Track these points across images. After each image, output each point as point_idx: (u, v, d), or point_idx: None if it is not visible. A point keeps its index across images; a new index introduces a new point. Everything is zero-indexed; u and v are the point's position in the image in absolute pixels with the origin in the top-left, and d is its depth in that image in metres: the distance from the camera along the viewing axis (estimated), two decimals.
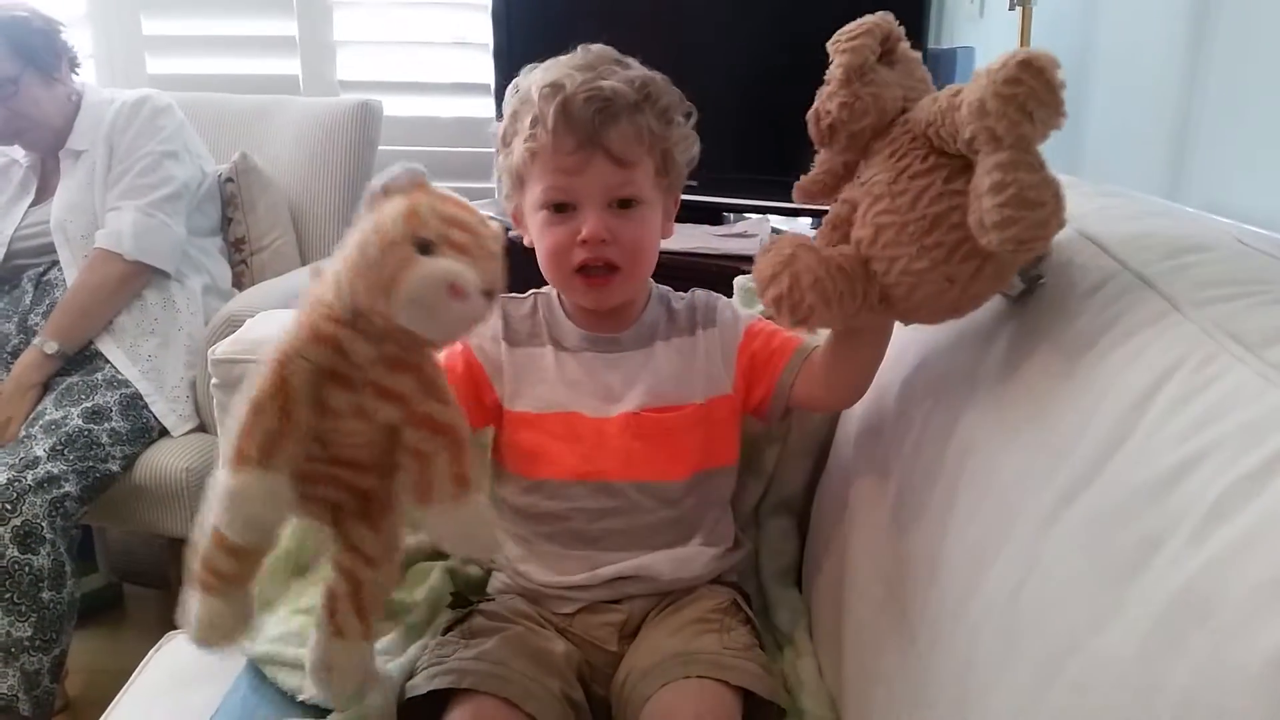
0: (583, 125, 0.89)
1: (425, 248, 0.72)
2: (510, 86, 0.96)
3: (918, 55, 0.83)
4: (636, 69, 0.94)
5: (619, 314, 0.99)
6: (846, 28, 0.81)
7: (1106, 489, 0.61)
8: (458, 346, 0.99)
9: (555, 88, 0.89)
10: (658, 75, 0.95)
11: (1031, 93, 0.67)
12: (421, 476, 0.77)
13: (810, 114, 0.84)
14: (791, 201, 0.93)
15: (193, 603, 0.80)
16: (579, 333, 0.99)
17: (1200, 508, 0.53)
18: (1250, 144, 1.14)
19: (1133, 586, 0.55)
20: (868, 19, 0.81)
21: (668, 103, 0.94)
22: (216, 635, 0.80)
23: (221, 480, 0.73)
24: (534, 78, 0.92)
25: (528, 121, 0.91)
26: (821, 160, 0.87)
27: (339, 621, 0.82)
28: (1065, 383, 0.71)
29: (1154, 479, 0.57)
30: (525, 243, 0.98)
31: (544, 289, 1.03)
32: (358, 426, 0.76)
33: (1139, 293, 0.71)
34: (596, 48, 0.95)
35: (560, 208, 0.92)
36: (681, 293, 1.04)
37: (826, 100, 0.82)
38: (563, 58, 0.94)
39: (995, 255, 0.71)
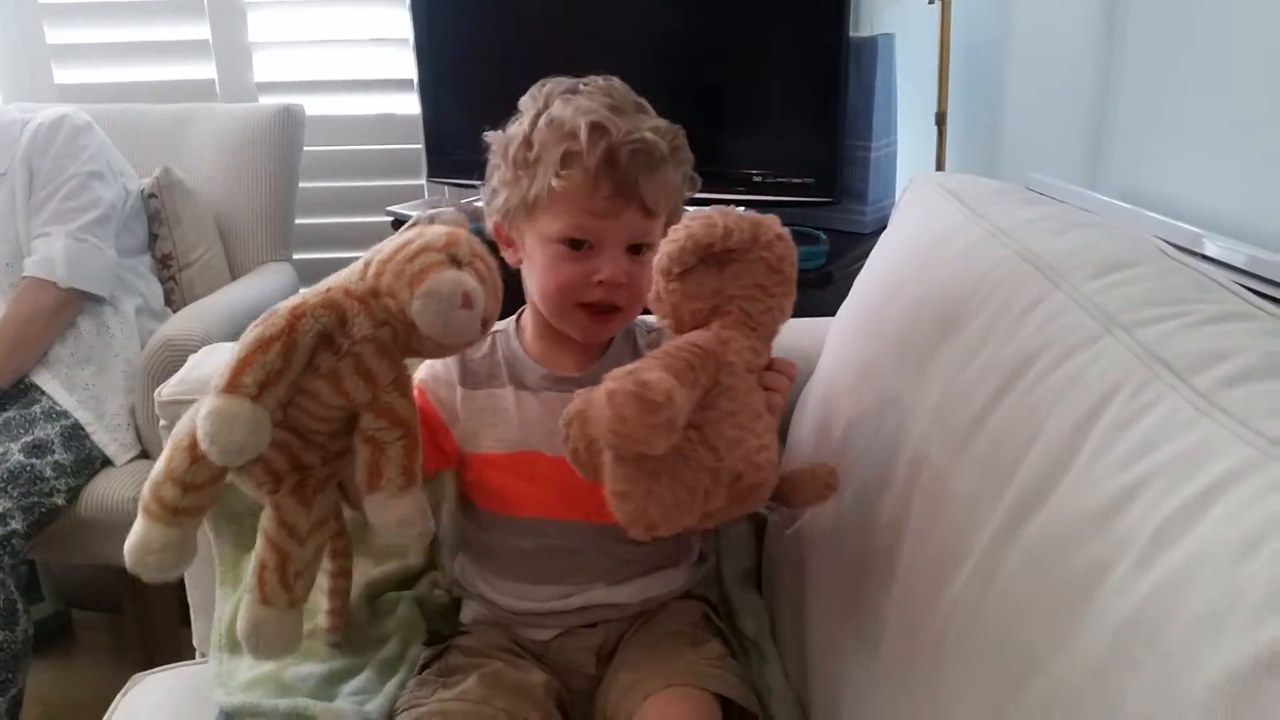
0: (624, 175, 0.90)
1: (456, 263, 0.84)
2: (535, 112, 0.94)
3: (772, 257, 0.84)
4: (654, 114, 0.96)
5: (583, 350, 1.00)
6: (677, 227, 0.84)
7: (1055, 513, 0.65)
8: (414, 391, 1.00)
9: (600, 130, 0.90)
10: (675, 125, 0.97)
11: (607, 422, 0.71)
12: (373, 463, 0.85)
13: None
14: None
15: (134, 526, 0.84)
16: (540, 371, 1.00)
17: (1143, 535, 0.58)
18: (1163, 133, 1.20)
19: (1085, 609, 0.59)
20: (692, 226, 0.83)
21: (685, 154, 0.96)
22: (157, 561, 0.84)
23: (211, 402, 0.78)
24: (565, 111, 0.92)
25: (559, 154, 0.90)
26: None
27: (266, 590, 0.87)
28: (1007, 402, 0.75)
29: (1099, 505, 0.61)
30: (511, 263, 0.99)
31: (501, 327, 1.03)
32: (325, 392, 0.83)
33: (1072, 314, 0.75)
34: (617, 84, 0.96)
35: (577, 244, 0.92)
36: (650, 319, 1.05)
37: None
38: (584, 89, 0.94)
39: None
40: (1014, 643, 0.64)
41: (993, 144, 1.60)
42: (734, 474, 0.77)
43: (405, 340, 0.85)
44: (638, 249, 0.93)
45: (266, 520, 0.88)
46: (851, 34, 1.74)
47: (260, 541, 0.89)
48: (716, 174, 1.80)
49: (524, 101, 0.97)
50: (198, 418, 0.79)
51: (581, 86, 0.95)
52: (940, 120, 1.61)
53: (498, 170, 0.97)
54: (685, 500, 0.76)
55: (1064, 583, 0.61)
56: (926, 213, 1.05)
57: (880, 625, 0.82)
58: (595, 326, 0.96)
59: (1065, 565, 0.62)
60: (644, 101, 0.97)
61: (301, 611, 0.90)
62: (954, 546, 0.74)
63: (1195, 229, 1.04)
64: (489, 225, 1.00)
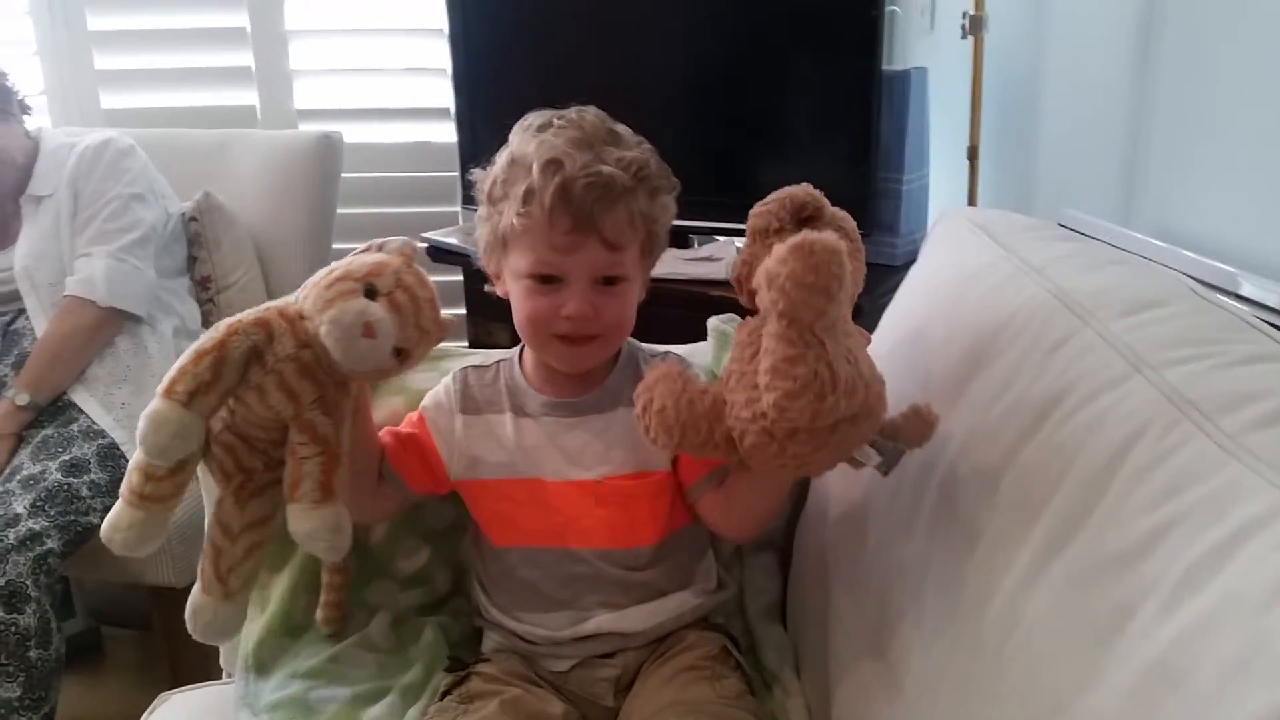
0: (579, 209, 0.89)
1: (370, 293, 0.89)
2: (507, 149, 0.96)
3: (848, 227, 0.92)
4: (629, 144, 0.95)
5: (582, 378, 1.01)
6: (766, 198, 0.92)
7: (1081, 554, 0.64)
8: (414, 416, 1.04)
9: (554, 165, 0.90)
10: (648, 150, 0.97)
11: (792, 276, 0.72)
12: (293, 475, 0.90)
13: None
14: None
15: (114, 506, 0.91)
16: (540, 398, 1.01)
17: (1170, 578, 0.57)
18: (1198, 171, 1.19)
19: (1111, 651, 0.58)
20: (788, 190, 0.92)
21: (658, 183, 0.96)
22: (122, 539, 0.90)
23: (150, 404, 0.85)
24: (529, 147, 0.93)
25: (521, 191, 0.91)
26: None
27: (204, 580, 0.94)
28: (1033, 442, 0.74)
29: (1126, 547, 0.61)
30: (499, 294, 1.01)
31: (507, 355, 1.05)
32: (254, 404, 0.89)
33: (1100, 352, 0.75)
34: (590, 116, 0.96)
35: (546, 279, 0.93)
36: (657, 349, 1.06)
37: (733, 258, 0.92)
38: (556, 124, 0.94)
39: (811, 423, 0.76)
40: (1038, 684, 0.63)
41: (1026, 179, 1.60)
42: (864, 380, 0.76)
43: (328, 362, 0.89)
44: (611, 280, 0.94)
45: (208, 516, 0.95)
46: (884, 67, 1.75)
47: (205, 535, 0.95)
48: (746, 205, 1.80)
49: (510, 137, 0.98)
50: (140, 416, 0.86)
51: (555, 121, 0.95)
52: (972, 155, 1.61)
53: (480, 207, 0.99)
54: (844, 375, 0.74)
55: (1089, 625, 0.61)
56: (957, 247, 1.05)
57: (905, 663, 0.81)
58: (572, 354, 0.97)
59: (1091, 607, 0.62)
60: (620, 130, 0.97)
61: (240, 604, 0.97)
62: (979, 586, 0.73)
63: (1231, 268, 1.03)
64: (486, 266, 1.02)
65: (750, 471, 0.92)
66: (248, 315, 0.89)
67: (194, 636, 0.96)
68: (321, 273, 0.92)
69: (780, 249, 0.73)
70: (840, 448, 0.79)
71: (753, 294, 0.88)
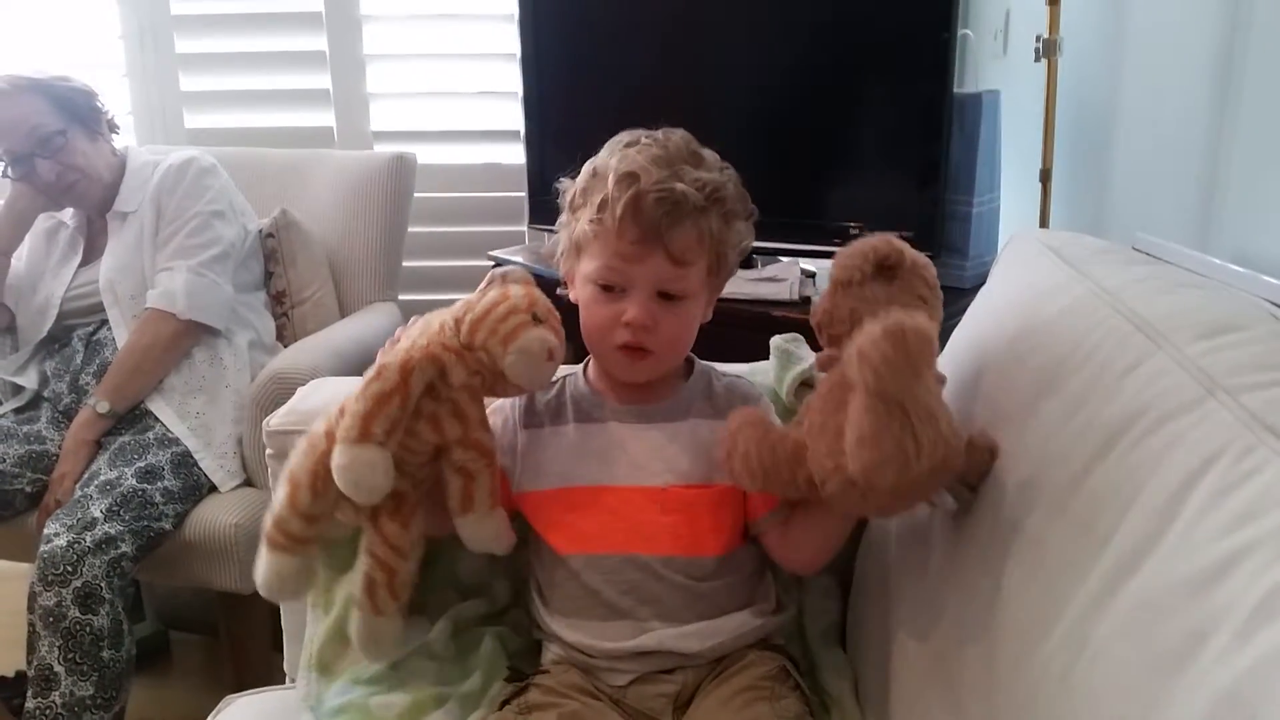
0: (648, 222, 0.93)
1: (537, 320, 0.96)
2: (589, 162, 1.01)
3: (928, 275, 0.93)
4: (710, 166, 0.99)
5: (653, 387, 1.03)
6: (848, 247, 0.94)
7: (1151, 579, 0.63)
8: None
9: (630, 178, 0.94)
10: (730, 175, 1.00)
11: (884, 358, 0.74)
12: (465, 490, 0.98)
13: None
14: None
15: (263, 560, 0.98)
16: (610, 404, 1.03)
17: (1244, 606, 0.55)
18: (1278, 193, 1.16)
19: (1180, 680, 0.57)
20: (869, 241, 0.92)
21: (733, 207, 0.99)
22: (293, 588, 1.00)
23: (350, 452, 0.89)
24: (612, 161, 0.97)
25: (597, 201, 0.96)
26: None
27: (378, 603, 0.99)
28: (1104, 464, 0.73)
29: (1197, 573, 0.59)
30: (571, 298, 1.05)
31: (571, 370, 1.08)
32: (426, 431, 0.95)
33: (1174, 376, 0.73)
34: (676, 137, 0.99)
35: (609, 287, 0.96)
36: (729, 369, 1.07)
37: (816, 303, 0.95)
38: (643, 141, 0.98)
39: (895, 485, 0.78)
40: (1104, 711, 0.62)
41: (1099, 202, 1.57)
42: (943, 438, 0.78)
43: (492, 385, 0.97)
44: (670, 296, 0.96)
45: (373, 543, 0.99)
46: (957, 90, 1.74)
47: (368, 562, 0.99)
48: (814, 227, 1.80)
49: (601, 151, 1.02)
50: (335, 466, 0.90)
51: (643, 139, 0.99)
52: (1045, 177, 1.59)
53: (562, 214, 1.03)
54: (927, 442, 0.76)
55: (1158, 652, 0.59)
56: (1028, 269, 1.04)
57: (968, 687, 0.79)
58: (629, 366, 1.00)
59: (1160, 634, 0.60)
60: (706, 154, 1.00)
61: (404, 615, 1.02)
62: (1046, 610, 0.71)
63: None
64: (561, 270, 1.06)
65: (817, 511, 0.95)
66: (414, 353, 0.93)
67: (372, 660, 1.02)
68: (479, 306, 0.96)
69: (874, 330, 0.76)
70: (917, 496, 0.82)
71: (832, 339, 0.94)
